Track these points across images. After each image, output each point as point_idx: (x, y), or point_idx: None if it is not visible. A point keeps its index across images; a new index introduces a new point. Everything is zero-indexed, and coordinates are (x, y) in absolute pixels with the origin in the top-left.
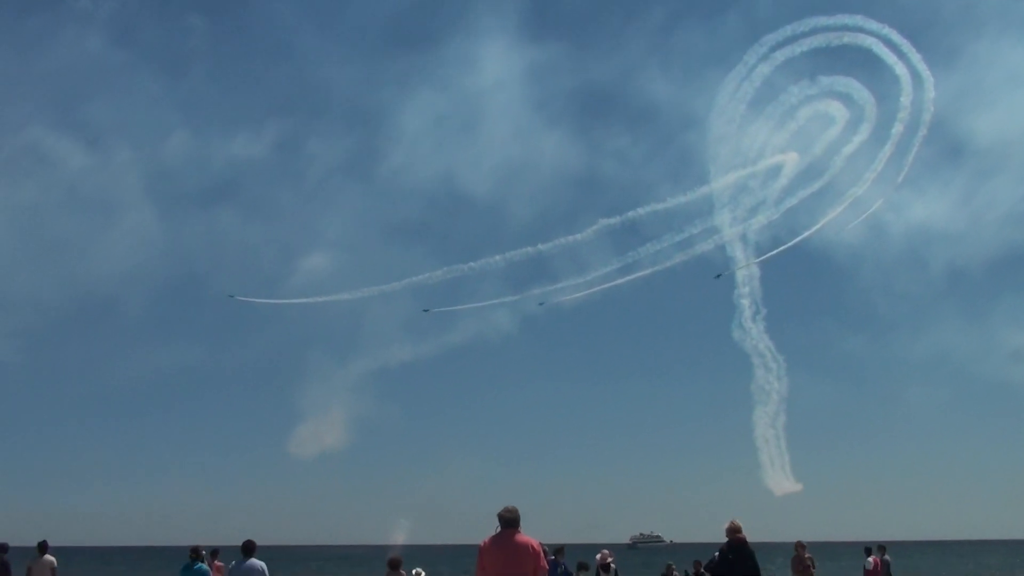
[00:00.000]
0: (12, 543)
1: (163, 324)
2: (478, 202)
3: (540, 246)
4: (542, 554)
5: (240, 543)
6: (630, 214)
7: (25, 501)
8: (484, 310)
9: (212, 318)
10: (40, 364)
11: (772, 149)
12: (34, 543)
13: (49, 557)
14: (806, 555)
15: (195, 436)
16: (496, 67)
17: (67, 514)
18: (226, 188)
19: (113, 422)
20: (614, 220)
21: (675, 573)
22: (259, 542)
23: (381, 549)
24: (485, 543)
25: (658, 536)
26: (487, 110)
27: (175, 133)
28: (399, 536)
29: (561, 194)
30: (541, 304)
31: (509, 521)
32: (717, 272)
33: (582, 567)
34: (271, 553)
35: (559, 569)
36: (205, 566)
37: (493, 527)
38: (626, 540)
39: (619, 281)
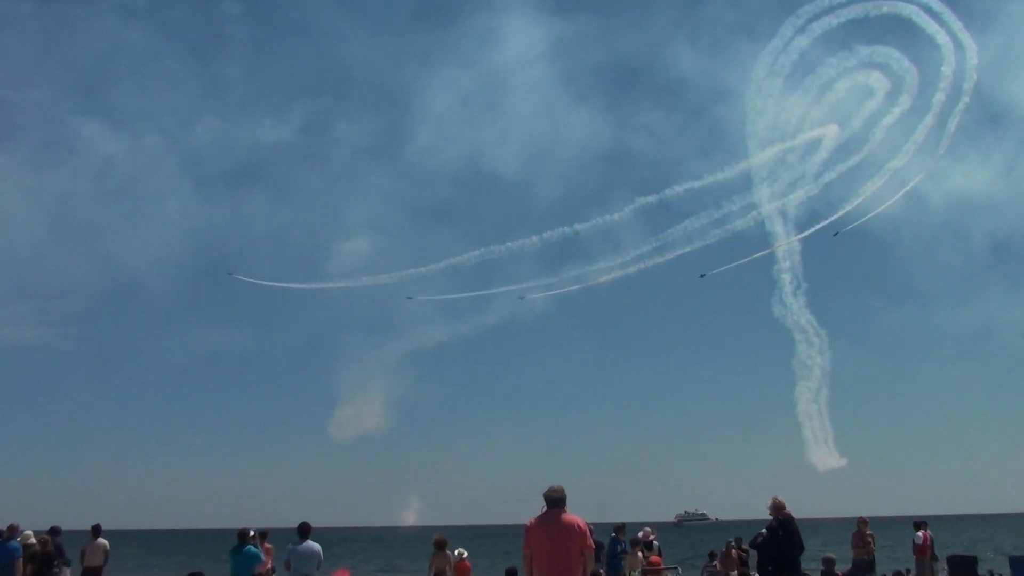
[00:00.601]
0: (65, 526)
1: (197, 307)
2: (505, 181)
3: (577, 226)
4: (588, 533)
5: (289, 525)
6: (667, 192)
7: (75, 484)
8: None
9: (246, 301)
10: (85, 350)
11: (811, 123)
12: (87, 527)
13: (102, 540)
14: (867, 532)
15: (234, 419)
16: (521, 42)
17: (115, 497)
18: (254, 170)
19: (155, 406)
20: (651, 198)
21: (733, 551)
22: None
23: (426, 530)
24: (532, 523)
25: (703, 514)
26: (513, 87)
27: (204, 118)
28: (409, 516)
29: (590, 171)
30: (521, 298)
31: (556, 500)
32: (759, 248)
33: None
34: (315, 535)
35: (619, 547)
36: (255, 548)
37: (538, 507)
38: (671, 518)
39: (657, 260)
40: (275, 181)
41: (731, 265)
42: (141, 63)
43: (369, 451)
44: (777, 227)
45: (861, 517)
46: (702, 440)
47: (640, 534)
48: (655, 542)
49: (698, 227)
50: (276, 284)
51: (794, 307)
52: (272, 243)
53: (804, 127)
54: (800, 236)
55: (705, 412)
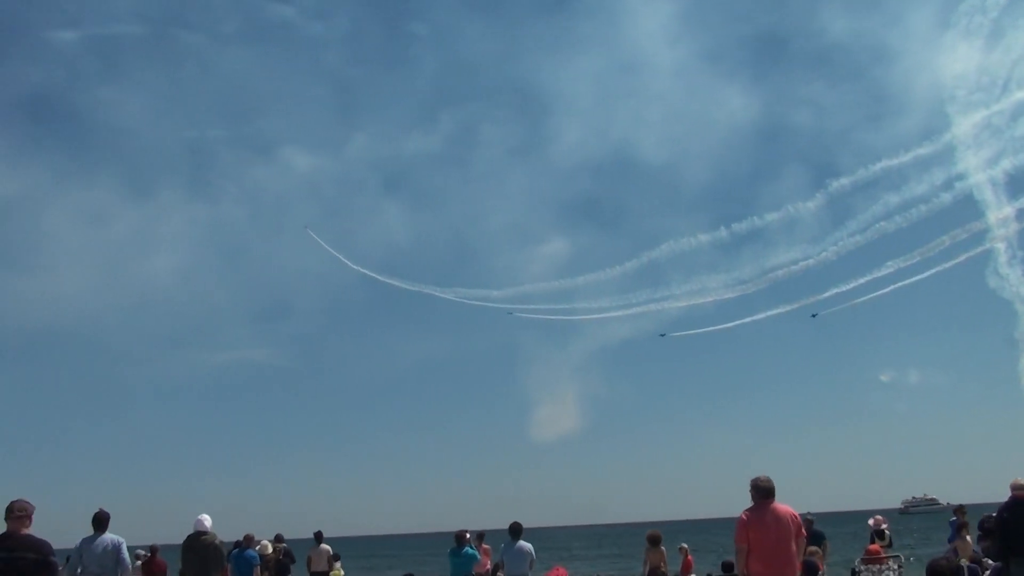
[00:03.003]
0: (289, 535)
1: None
2: (651, 169)
3: (768, 216)
4: (802, 524)
5: (501, 526)
6: (861, 172)
7: (295, 493)
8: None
9: (435, 312)
10: (303, 366)
11: (1017, 82)
12: (307, 534)
13: (326, 546)
14: None
15: (441, 426)
16: (651, 19)
17: (333, 505)
18: (405, 182)
19: (366, 416)
20: (844, 181)
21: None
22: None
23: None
24: (746, 515)
25: (933, 499)
26: (648, 68)
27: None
28: (611, 512)
29: (745, 151)
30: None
31: (767, 491)
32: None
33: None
34: (526, 535)
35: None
36: (472, 549)
37: (744, 499)
38: (897, 505)
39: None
40: (422, 190)
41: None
42: (282, 89)
43: (569, 450)
44: (987, 194)
45: None
46: (925, 422)
47: (871, 522)
48: (887, 531)
49: (900, 202)
50: (473, 302)
51: (1011, 277)
52: (438, 251)
53: (1011, 87)
54: (1015, 204)
55: (926, 391)
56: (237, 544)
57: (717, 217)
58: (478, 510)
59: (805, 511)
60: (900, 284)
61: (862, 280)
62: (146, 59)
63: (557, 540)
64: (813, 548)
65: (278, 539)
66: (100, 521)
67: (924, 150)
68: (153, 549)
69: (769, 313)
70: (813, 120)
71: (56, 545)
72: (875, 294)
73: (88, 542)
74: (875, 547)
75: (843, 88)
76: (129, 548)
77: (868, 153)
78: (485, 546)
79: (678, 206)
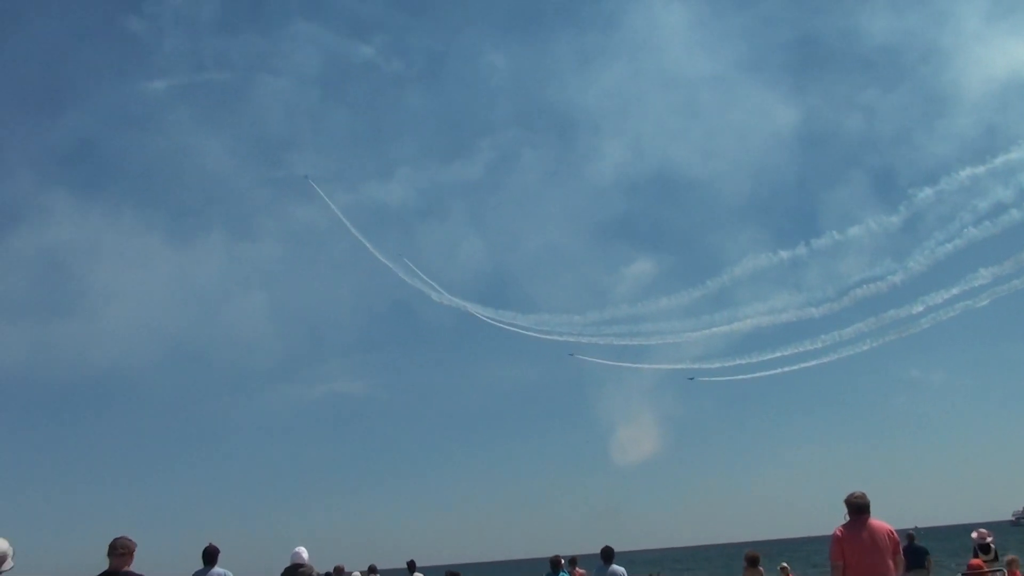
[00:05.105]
0: (383, 565)
1: (475, 348)
2: (697, 184)
3: (836, 234)
4: (899, 541)
5: (592, 551)
6: (944, 181)
7: (391, 524)
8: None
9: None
10: (394, 396)
11: None
12: (403, 564)
13: (419, 575)
14: None
15: (524, 452)
16: (683, 27)
17: (430, 534)
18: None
19: (454, 445)
20: (926, 192)
21: None
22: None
23: (731, 547)
24: (840, 532)
25: None
26: (685, 81)
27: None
28: (702, 534)
29: (794, 161)
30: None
31: (861, 507)
32: None
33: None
34: (619, 559)
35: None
36: (566, 574)
37: (838, 517)
38: (1008, 516)
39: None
40: (463, 216)
41: None
42: (318, 124)
43: (654, 472)
44: None
45: None
46: None
47: (974, 535)
48: (992, 544)
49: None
50: (531, 333)
51: None
52: (510, 279)
53: None
54: None
55: None
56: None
57: (777, 231)
58: (569, 535)
59: (911, 526)
60: (997, 291)
61: (954, 290)
62: (229, 105)
63: (649, 563)
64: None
65: (371, 570)
66: (210, 555)
67: (1013, 155)
68: None
69: (856, 326)
70: (864, 125)
71: None
72: (968, 303)
73: None
74: (977, 561)
75: (893, 90)
76: None
77: (928, 156)
78: (579, 570)
79: (741, 221)
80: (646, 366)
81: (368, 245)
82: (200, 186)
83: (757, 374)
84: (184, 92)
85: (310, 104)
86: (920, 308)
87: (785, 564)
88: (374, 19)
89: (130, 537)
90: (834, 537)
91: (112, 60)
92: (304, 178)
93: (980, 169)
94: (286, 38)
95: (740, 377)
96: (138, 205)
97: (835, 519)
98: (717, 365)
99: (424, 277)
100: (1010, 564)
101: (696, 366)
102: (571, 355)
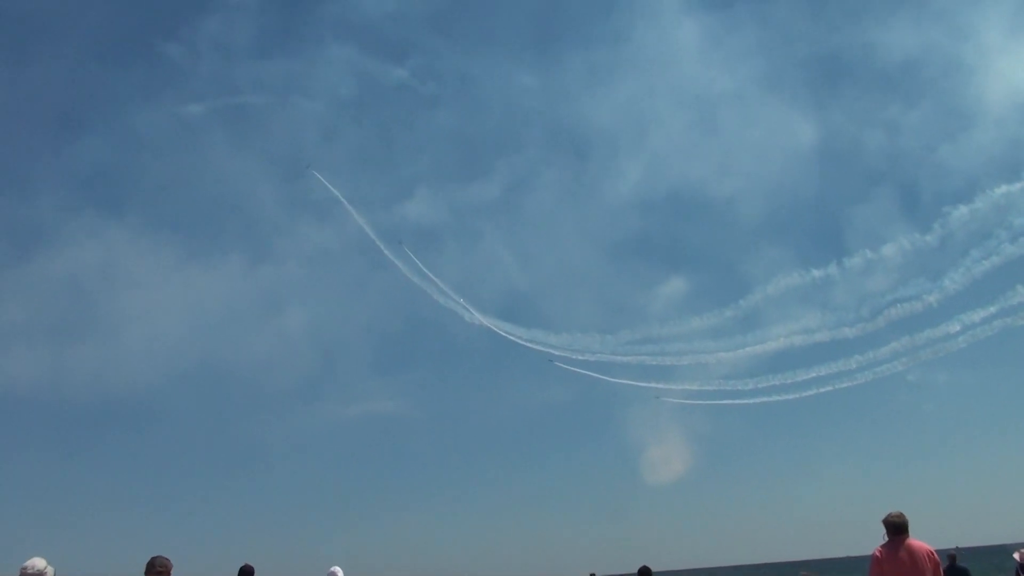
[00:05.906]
0: None
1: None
2: (716, 202)
3: (869, 253)
4: (939, 561)
5: (632, 571)
6: (979, 199)
7: (426, 542)
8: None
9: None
10: (429, 415)
11: None
12: None
13: None
14: None
15: (555, 472)
16: (697, 44)
17: (464, 553)
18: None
19: (485, 465)
20: (961, 210)
21: None
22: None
23: (768, 567)
24: (879, 552)
25: None
26: (699, 97)
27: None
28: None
29: (815, 178)
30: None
31: (899, 527)
32: None
33: None
34: None
35: None
36: None
37: (876, 537)
38: None
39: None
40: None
41: None
42: (334, 147)
43: (686, 491)
44: None
45: None
46: None
47: (1016, 556)
48: None
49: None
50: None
51: None
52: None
53: None
54: None
55: None
56: None
57: (799, 250)
58: (604, 555)
59: (953, 546)
60: None
61: (992, 308)
62: (263, 127)
63: None
64: None
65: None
66: (246, 575)
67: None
68: None
69: (891, 345)
70: (887, 141)
71: None
72: (1008, 320)
73: None
74: None
75: (915, 105)
76: None
77: (953, 172)
78: None
79: (763, 240)
80: (675, 386)
81: (398, 263)
82: (233, 207)
83: (792, 395)
84: (218, 115)
85: (343, 125)
86: (957, 327)
87: None
88: (407, 41)
89: (167, 557)
90: (873, 558)
91: (147, 84)
92: (307, 168)
93: (1016, 186)
94: (321, 61)
95: (776, 398)
96: (165, 227)
97: (873, 539)
98: (751, 387)
99: (455, 297)
100: None
101: (727, 387)
102: (596, 376)
